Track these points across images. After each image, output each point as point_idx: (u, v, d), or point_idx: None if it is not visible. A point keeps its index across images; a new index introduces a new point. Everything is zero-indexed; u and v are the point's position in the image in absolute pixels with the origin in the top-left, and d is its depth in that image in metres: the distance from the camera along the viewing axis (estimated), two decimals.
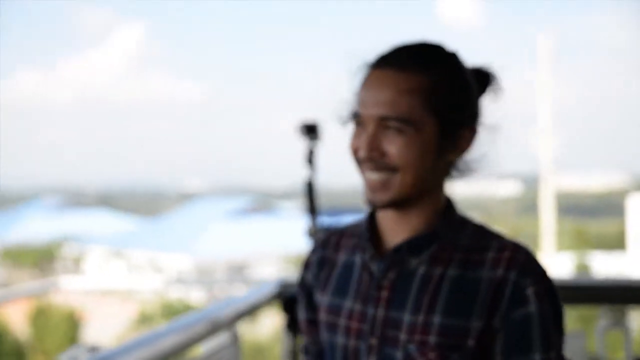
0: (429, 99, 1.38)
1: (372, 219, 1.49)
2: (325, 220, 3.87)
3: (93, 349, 2.16)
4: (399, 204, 1.40)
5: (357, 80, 1.45)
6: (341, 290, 1.49)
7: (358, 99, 1.41)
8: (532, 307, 1.33)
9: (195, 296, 24.61)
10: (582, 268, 23.60)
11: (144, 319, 19.78)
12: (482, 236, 1.41)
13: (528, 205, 39.43)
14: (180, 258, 30.00)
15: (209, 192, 56.98)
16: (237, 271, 29.80)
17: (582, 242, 28.77)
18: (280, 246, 27.55)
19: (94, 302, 23.52)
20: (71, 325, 18.49)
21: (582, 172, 53.80)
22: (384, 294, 1.42)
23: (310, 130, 3.16)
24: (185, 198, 50.50)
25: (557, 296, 1.37)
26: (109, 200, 53.48)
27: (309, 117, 3.17)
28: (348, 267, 1.50)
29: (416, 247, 1.41)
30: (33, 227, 34.96)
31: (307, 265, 1.59)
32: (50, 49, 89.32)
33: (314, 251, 1.59)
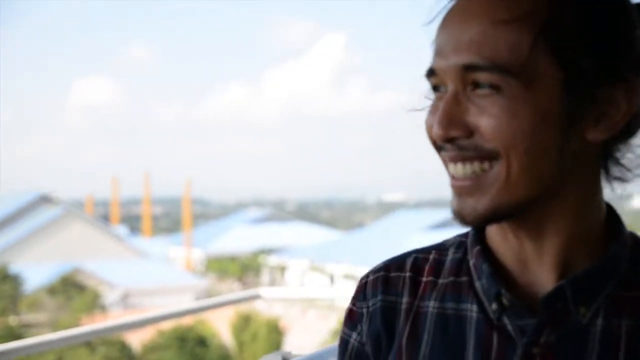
0: (549, 32, 0.84)
1: (481, 239, 0.97)
2: None
3: (286, 356, 2.05)
4: (505, 216, 0.88)
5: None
6: None
7: (434, 50, 0.90)
8: None
9: None
10: None
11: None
12: None
13: None
14: None
15: (409, 203, 56.64)
16: None
17: None
18: None
19: (296, 311, 23.87)
20: (274, 334, 18.82)
21: None
22: None
23: None
24: (385, 210, 50.33)
25: None
26: (309, 213, 54.39)
27: None
28: (449, 321, 0.95)
29: (588, 288, 0.89)
30: (237, 238, 36.03)
31: (353, 320, 1.04)
32: (254, 63, 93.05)
33: (364, 297, 1.04)
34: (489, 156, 0.86)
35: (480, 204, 0.87)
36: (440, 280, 0.99)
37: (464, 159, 0.87)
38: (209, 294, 29.37)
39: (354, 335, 1.04)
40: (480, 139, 0.85)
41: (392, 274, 1.02)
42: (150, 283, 27.16)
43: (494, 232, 0.95)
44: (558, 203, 0.89)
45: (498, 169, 0.85)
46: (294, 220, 44.64)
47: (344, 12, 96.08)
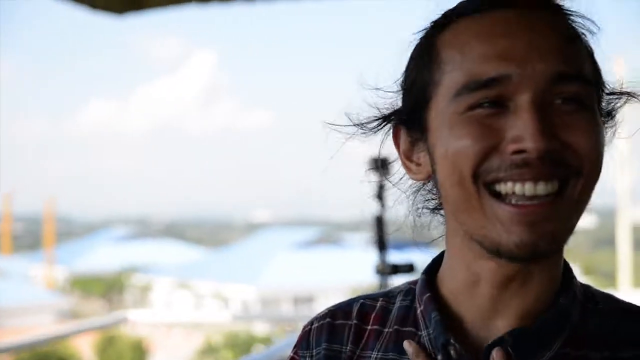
0: (588, 50, 0.85)
1: (432, 286, 0.92)
2: (393, 254, 3.67)
3: None
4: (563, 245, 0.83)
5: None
6: None
7: (469, 56, 0.81)
8: None
9: (260, 328, 24.48)
10: None
11: (210, 350, 19.75)
12: (627, 315, 0.87)
13: (602, 239, 38.33)
14: (245, 289, 29.93)
15: (276, 222, 57.11)
16: (303, 303, 29.58)
17: None
18: (346, 278, 27.26)
19: (161, 331, 23.65)
20: (138, 354, 18.63)
21: None
22: None
23: (381, 165, 3.02)
24: (252, 228, 50.64)
25: None
26: (175, 231, 53.99)
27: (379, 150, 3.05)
28: None
29: (536, 344, 0.83)
30: (102, 257, 35.44)
31: None
32: (123, 80, 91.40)
33: (307, 345, 0.98)
34: (576, 173, 0.79)
35: (559, 229, 0.79)
36: (385, 329, 0.94)
37: (550, 177, 0.78)
38: (72, 314, 28.82)
39: None
40: (572, 155, 0.79)
41: (338, 322, 0.97)
42: (8, 302, 26.36)
43: (458, 285, 0.88)
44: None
45: (575, 188, 0.79)
46: (160, 238, 44.23)
47: (214, 31, 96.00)
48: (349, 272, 26.76)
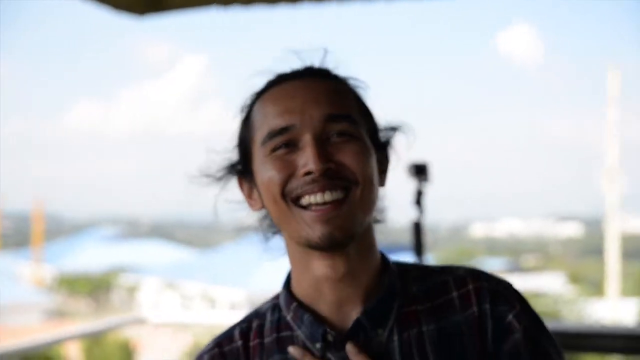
0: (358, 99, 1.20)
1: (294, 298, 1.20)
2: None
3: None
4: (360, 236, 1.14)
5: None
6: None
7: (275, 113, 1.13)
8: (519, 334, 1.14)
9: None
10: None
11: (197, 351, 19.71)
12: (431, 275, 1.20)
13: (589, 248, 38.46)
14: (233, 291, 29.86)
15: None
16: None
17: None
18: None
19: (148, 333, 23.54)
20: (125, 354, 18.54)
21: None
22: None
23: (420, 171, 3.07)
24: (240, 230, 50.50)
25: (528, 302, 1.20)
26: (164, 231, 53.83)
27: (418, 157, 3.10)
28: None
29: (379, 315, 1.15)
30: (89, 256, 35.29)
31: None
32: (114, 80, 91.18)
33: None
34: (354, 183, 1.10)
35: (348, 223, 1.09)
36: (266, 340, 1.19)
37: (333, 187, 1.09)
38: (58, 312, 28.71)
39: None
40: (347, 170, 1.10)
41: (226, 348, 1.21)
42: None
43: (309, 290, 1.16)
44: (370, 233, 1.17)
45: (358, 194, 1.10)
46: (149, 238, 44.09)
47: (205, 36, 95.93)
48: None
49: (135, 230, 50.66)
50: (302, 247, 1.14)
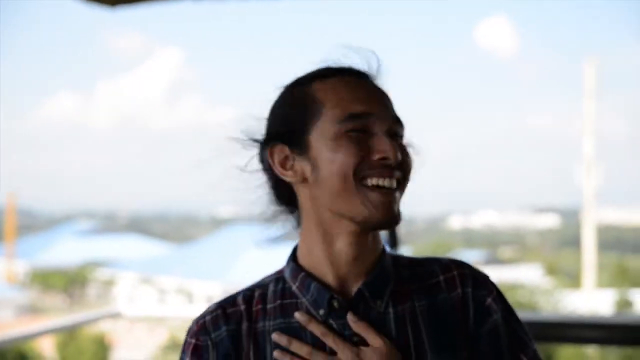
0: None
1: (300, 268, 1.30)
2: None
3: None
4: None
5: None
6: None
7: (344, 99, 1.25)
8: (497, 315, 1.30)
9: None
10: (624, 305, 22.84)
11: (173, 346, 19.59)
12: (419, 264, 1.34)
13: (566, 239, 38.75)
14: (210, 285, 29.77)
15: (242, 218, 56.88)
16: None
17: (624, 277, 27.95)
18: None
19: (123, 328, 23.44)
20: (100, 349, 18.44)
21: (624, 206, 52.75)
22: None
23: None
24: (218, 224, 50.45)
25: (503, 293, 1.34)
26: (140, 225, 53.58)
27: None
28: (285, 332, 1.26)
29: (377, 288, 1.28)
30: (64, 251, 35.02)
31: (199, 351, 1.29)
32: (89, 73, 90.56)
33: (205, 332, 1.29)
34: (404, 177, 1.26)
35: (399, 209, 1.25)
36: (269, 306, 1.28)
37: (396, 176, 1.24)
38: (32, 308, 28.44)
39: None
40: (405, 166, 1.25)
41: (229, 310, 1.29)
42: None
43: (319, 265, 1.27)
44: None
45: (405, 185, 1.26)
46: (125, 232, 43.86)
47: (181, 28, 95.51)
48: None
49: (112, 224, 50.36)
50: (346, 222, 1.25)
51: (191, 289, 30.47)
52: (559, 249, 40.02)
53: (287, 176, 1.28)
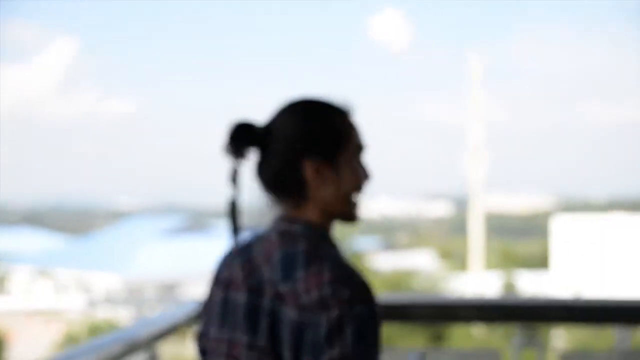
0: None
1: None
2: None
3: None
4: None
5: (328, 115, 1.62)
6: None
7: (356, 134, 1.64)
8: None
9: (124, 316, 24.24)
10: (509, 287, 24.10)
11: (70, 340, 19.41)
12: None
13: (459, 226, 40.02)
14: (109, 277, 29.53)
15: (140, 210, 56.27)
16: (168, 291, 29.46)
17: (509, 261, 29.34)
18: (213, 265, 27.40)
19: (19, 323, 22.97)
20: None
21: (509, 194, 54.88)
22: None
23: (237, 149, 3.25)
24: (115, 216, 49.79)
25: None
26: (35, 218, 52.34)
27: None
28: None
29: None
30: None
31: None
32: None
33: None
34: None
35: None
36: None
37: None
38: None
39: None
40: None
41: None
42: None
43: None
44: None
45: None
46: (19, 225, 42.83)
47: (76, 17, 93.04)
48: (215, 259, 26.90)
49: (5, 217, 49.02)
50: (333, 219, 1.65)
51: (90, 281, 30.14)
52: (451, 235, 41.30)
53: (319, 181, 1.60)
